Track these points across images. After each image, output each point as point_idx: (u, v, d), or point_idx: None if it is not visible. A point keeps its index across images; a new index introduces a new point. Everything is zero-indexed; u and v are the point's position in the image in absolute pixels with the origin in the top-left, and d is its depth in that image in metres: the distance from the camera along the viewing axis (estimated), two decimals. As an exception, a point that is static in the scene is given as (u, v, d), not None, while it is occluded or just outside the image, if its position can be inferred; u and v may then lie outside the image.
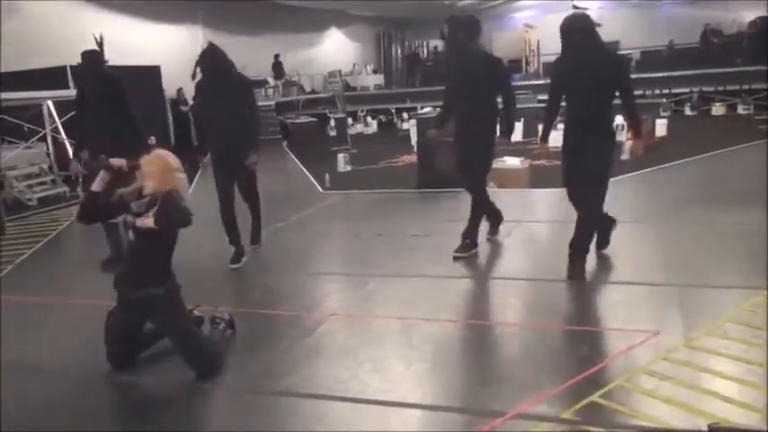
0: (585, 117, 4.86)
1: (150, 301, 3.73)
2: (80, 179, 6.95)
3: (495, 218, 6.28)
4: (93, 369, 4.01)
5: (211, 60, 5.59)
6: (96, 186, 3.90)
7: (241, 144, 5.76)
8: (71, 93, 10.66)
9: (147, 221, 3.65)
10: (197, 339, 3.81)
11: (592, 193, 4.97)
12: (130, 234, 3.80)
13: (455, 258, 5.64)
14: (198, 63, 5.62)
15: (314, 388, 3.50)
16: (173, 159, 3.87)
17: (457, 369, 3.67)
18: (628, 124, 5.13)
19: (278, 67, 22.01)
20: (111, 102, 5.85)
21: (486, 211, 6.07)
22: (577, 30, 4.82)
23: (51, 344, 4.45)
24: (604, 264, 5.36)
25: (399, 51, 30.28)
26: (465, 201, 7.51)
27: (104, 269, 5.92)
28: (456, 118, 5.85)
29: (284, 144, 17.67)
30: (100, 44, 6.05)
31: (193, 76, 5.75)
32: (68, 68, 11.51)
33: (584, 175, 4.91)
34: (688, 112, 19.27)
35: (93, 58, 5.99)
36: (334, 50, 26.22)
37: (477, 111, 5.62)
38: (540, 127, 5.55)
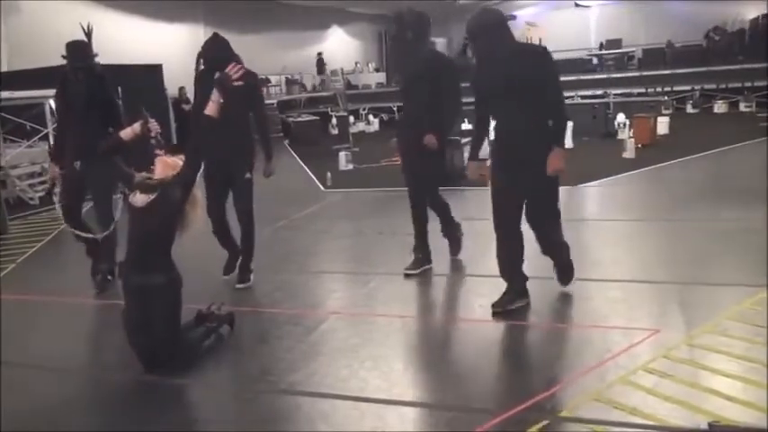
0: (514, 128, 4.23)
1: (151, 288, 3.73)
2: (56, 186, 6.14)
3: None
4: (94, 366, 4.04)
5: (214, 52, 5.07)
6: (126, 135, 4.02)
7: (243, 150, 5.21)
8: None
9: (140, 198, 3.75)
10: (177, 341, 3.82)
11: (545, 212, 4.39)
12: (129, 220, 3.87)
13: (406, 275, 5.30)
14: (200, 55, 5.17)
15: (315, 386, 3.50)
16: None
17: (457, 367, 3.68)
18: (553, 130, 4.24)
19: (320, 64, 23.52)
20: (100, 102, 5.32)
21: (443, 219, 5.56)
22: (482, 29, 4.23)
23: (53, 342, 4.47)
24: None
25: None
26: (466, 199, 7.53)
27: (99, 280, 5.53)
28: (403, 122, 5.46)
29: (286, 142, 17.69)
30: (88, 35, 5.35)
31: (196, 69, 5.29)
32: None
33: (532, 196, 4.31)
34: (690, 109, 19.25)
35: (81, 50, 5.29)
36: (336, 49, 26.22)
37: (424, 116, 5.09)
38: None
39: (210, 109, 4.02)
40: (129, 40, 16.15)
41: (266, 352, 4.03)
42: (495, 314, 4.32)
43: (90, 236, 5.44)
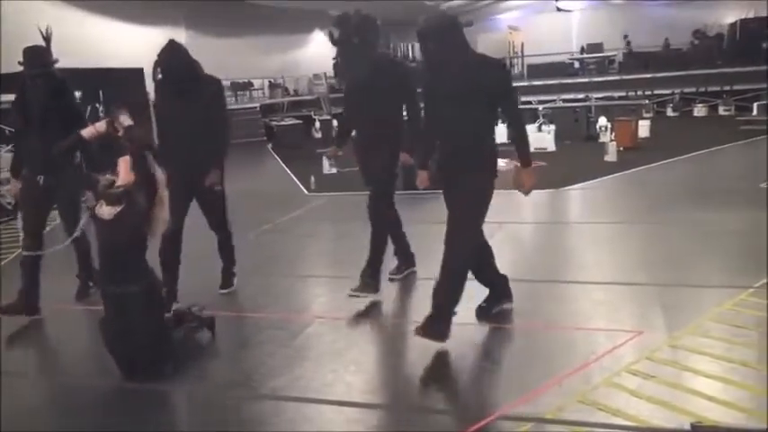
0: (458, 139, 3.93)
1: (128, 296, 3.67)
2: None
3: (404, 258, 5.36)
4: (74, 373, 3.99)
5: (171, 60, 4.78)
6: (87, 134, 3.92)
7: (204, 159, 4.87)
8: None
9: (108, 210, 3.65)
10: (158, 347, 3.77)
11: (457, 232, 3.93)
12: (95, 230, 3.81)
13: (350, 296, 4.83)
14: (157, 63, 4.81)
15: (300, 390, 3.49)
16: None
17: (442, 370, 3.68)
18: (516, 148, 4.03)
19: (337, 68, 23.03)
20: (60, 110, 4.85)
21: (396, 245, 5.27)
22: (435, 33, 3.85)
23: (33, 349, 4.42)
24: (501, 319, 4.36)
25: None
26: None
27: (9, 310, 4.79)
28: (356, 135, 5.10)
29: (269, 146, 17.65)
30: (47, 39, 4.90)
31: (154, 79, 4.94)
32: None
33: (453, 211, 3.99)
34: (670, 113, 19.47)
35: (39, 56, 4.82)
36: (319, 52, 26.18)
37: (377, 127, 4.81)
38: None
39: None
40: (110, 43, 16.04)
41: (251, 356, 4.01)
42: (479, 318, 4.32)
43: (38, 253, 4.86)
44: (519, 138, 4.02)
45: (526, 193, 4.08)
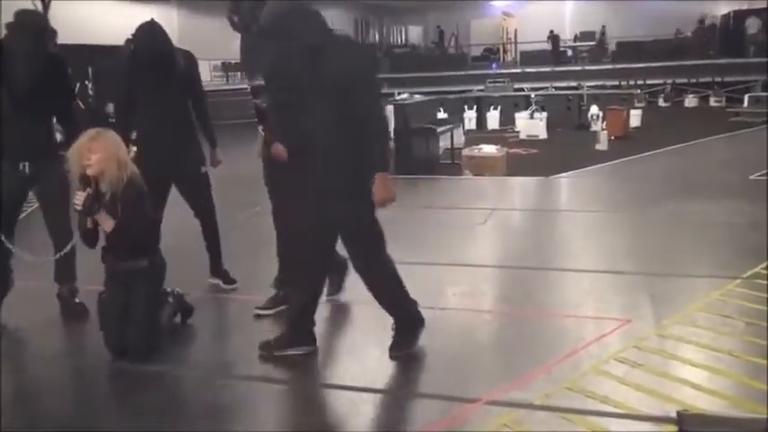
0: (319, 137, 3.34)
1: (135, 272, 3.69)
2: None
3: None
4: (63, 353, 3.98)
5: (150, 43, 4.29)
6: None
7: (191, 140, 4.59)
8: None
9: (107, 223, 3.58)
10: (155, 325, 3.76)
11: (365, 252, 3.62)
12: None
13: (256, 316, 4.26)
14: (130, 42, 4.29)
15: (290, 373, 3.48)
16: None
17: (430, 356, 3.68)
18: (372, 150, 3.33)
19: None
20: (52, 90, 4.06)
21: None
22: (280, 25, 3.30)
23: (20, 331, 4.39)
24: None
25: (377, 37, 30.19)
26: (442, 188, 7.55)
27: None
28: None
29: (260, 128, 17.53)
30: (45, 4, 4.38)
31: (126, 61, 4.50)
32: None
33: (344, 235, 3.61)
34: (662, 103, 19.54)
35: (33, 22, 4.10)
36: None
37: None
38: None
39: None
40: (100, 20, 15.84)
41: (241, 339, 4.00)
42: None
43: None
44: (373, 132, 3.29)
45: (378, 205, 3.34)
